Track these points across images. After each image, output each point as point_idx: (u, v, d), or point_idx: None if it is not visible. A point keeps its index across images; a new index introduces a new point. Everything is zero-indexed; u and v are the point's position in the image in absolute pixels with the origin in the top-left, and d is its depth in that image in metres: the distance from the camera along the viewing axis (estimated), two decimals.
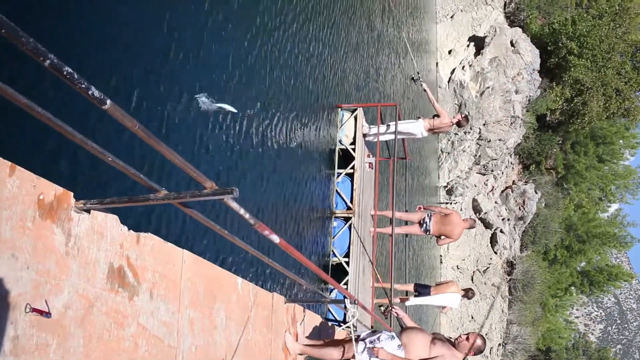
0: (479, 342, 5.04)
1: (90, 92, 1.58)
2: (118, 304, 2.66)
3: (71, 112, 3.40)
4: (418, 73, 9.73)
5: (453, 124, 9.43)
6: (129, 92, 4.08)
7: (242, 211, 2.53)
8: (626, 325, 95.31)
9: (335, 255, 8.50)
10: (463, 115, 9.51)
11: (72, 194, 2.45)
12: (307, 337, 5.29)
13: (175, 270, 3.21)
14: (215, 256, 4.73)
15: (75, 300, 2.37)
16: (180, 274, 3.24)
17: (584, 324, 76.44)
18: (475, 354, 5.17)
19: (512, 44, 30.20)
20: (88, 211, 2.52)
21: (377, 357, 4.80)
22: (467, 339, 5.02)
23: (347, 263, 8.43)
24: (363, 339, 4.98)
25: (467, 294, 9.25)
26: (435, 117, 9.29)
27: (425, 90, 9.38)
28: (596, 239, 47.41)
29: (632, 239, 51.73)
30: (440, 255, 30.03)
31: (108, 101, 1.64)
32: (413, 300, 9.22)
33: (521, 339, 38.22)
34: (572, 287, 50.61)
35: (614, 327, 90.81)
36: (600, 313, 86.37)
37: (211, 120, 5.15)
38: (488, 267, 33.82)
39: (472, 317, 31.57)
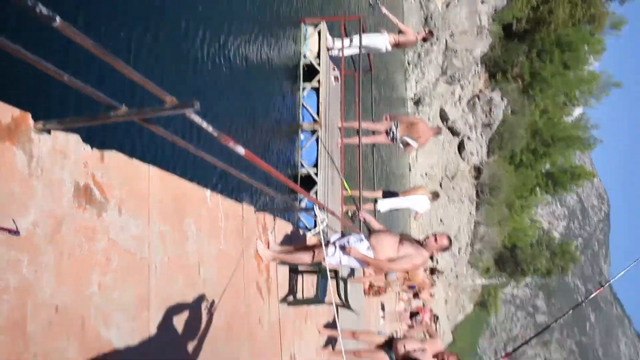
0: (445, 241, 5.25)
1: (37, 10, 1.55)
2: (87, 220, 2.72)
3: (23, 33, 3.30)
4: None
5: (418, 40, 9.38)
6: (85, 11, 3.96)
7: (204, 124, 2.55)
8: (587, 221, 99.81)
9: (303, 167, 8.61)
10: (428, 31, 9.45)
11: (29, 115, 2.44)
12: (278, 244, 5.46)
13: (142, 186, 3.25)
14: (181, 171, 4.75)
15: (42, 218, 2.42)
16: (147, 189, 3.28)
17: (548, 221, 79.54)
18: (442, 252, 5.44)
19: None
20: (48, 132, 2.52)
21: (348, 255, 5.00)
22: (435, 239, 5.23)
23: (316, 174, 8.56)
24: (333, 243, 5.15)
25: (433, 196, 9.55)
26: (401, 34, 9.24)
27: (385, 14, 9.25)
28: (561, 142, 48.65)
29: (595, 140, 53.29)
30: (409, 164, 30.55)
31: (57, 18, 1.62)
32: (382, 204, 9.38)
33: (488, 238, 39.85)
34: (537, 188, 52.40)
35: (575, 223, 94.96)
36: (564, 211, 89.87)
37: (169, 36, 5.03)
38: (456, 173, 34.63)
39: (441, 221, 32.65)
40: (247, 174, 3.83)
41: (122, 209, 3.00)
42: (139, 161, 3.25)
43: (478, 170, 38.92)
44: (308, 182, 8.53)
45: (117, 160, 3.04)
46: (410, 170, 30.73)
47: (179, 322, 3.44)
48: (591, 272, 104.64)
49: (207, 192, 4.07)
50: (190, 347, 3.57)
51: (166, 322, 3.29)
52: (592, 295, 7.37)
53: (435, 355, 6.57)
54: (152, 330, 3.13)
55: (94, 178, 2.82)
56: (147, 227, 3.21)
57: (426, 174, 31.65)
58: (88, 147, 2.80)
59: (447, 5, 28.79)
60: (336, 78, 9.96)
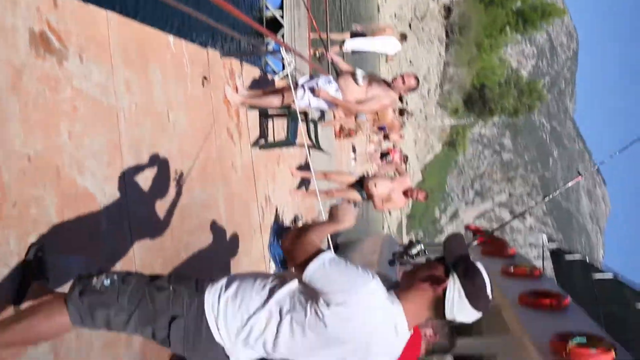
0: (412, 81, 5.28)
1: None
2: (47, 69, 2.65)
3: None
4: None
5: None
6: None
7: None
8: (555, 59, 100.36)
9: (268, 9, 8.30)
10: None
11: None
12: (246, 89, 5.42)
13: (101, 32, 3.14)
14: (140, 16, 4.57)
15: (0, 68, 2.36)
16: (107, 35, 3.18)
17: (517, 60, 79.71)
18: (409, 92, 5.49)
19: None
20: None
21: (317, 97, 5.03)
22: (403, 80, 5.25)
23: (282, 16, 8.29)
24: (302, 85, 5.14)
25: (401, 38, 9.35)
26: None
27: None
28: None
29: None
30: (378, 4, 29.60)
31: None
32: (350, 44, 9.11)
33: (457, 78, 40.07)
34: (507, 27, 51.75)
35: (544, 61, 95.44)
36: (533, 50, 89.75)
37: None
38: (425, 14, 33.80)
39: (410, 62, 32.47)
40: (210, 18, 3.70)
41: (83, 57, 2.93)
42: (95, 6, 3.11)
43: (448, 10, 37.97)
44: (274, 26, 8.28)
45: (72, 5, 2.90)
46: (378, 11, 29.86)
47: (153, 168, 3.51)
48: (557, 110, 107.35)
49: (170, 38, 3.95)
50: (167, 193, 3.68)
51: (140, 169, 3.36)
52: (569, 184, 7.50)
53: (405, 192, 6.88)
54: (127, 177, 3.20)
55: (49, 24, 2.71)
56: (111, 74, 3.15)
57: (395, 15, 30.81)
58: None
59: None
60: None
